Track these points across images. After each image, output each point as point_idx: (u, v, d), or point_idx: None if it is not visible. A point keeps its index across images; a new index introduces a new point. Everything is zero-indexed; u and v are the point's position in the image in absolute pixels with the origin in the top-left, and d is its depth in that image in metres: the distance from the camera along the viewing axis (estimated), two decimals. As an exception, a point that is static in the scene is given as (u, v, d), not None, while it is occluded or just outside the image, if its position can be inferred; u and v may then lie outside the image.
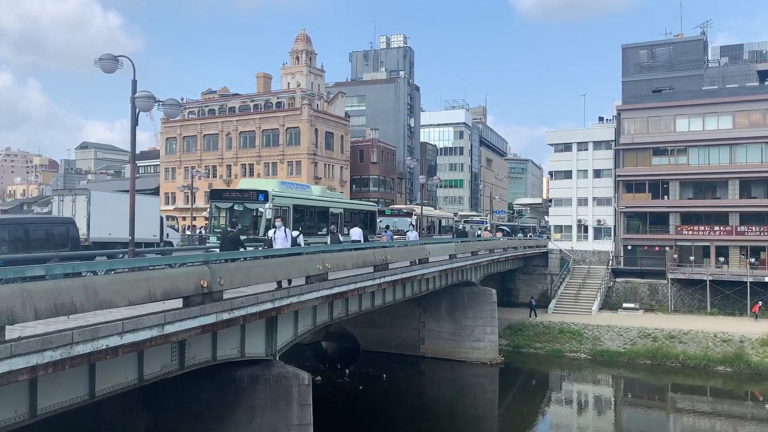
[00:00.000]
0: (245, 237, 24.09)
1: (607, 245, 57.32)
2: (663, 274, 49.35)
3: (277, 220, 21.85)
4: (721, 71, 62.17)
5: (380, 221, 43.75)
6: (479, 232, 56.42)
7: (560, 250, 56.63)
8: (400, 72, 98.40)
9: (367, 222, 37.31)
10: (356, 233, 27.68)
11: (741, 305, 45.16)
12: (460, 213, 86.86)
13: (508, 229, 74.54)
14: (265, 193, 27.17)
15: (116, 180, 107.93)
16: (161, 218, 36.98)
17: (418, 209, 48.92)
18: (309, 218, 30.71)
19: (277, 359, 16.61)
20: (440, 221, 55.51)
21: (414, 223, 42.40)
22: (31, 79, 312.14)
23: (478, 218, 76.79)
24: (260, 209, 26.70)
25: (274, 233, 20.36)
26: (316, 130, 70.94)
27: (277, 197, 27.59)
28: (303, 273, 16.62)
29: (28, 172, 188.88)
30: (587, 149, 59.79)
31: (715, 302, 46.26)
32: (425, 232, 48.04)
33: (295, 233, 22.89)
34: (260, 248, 21.20)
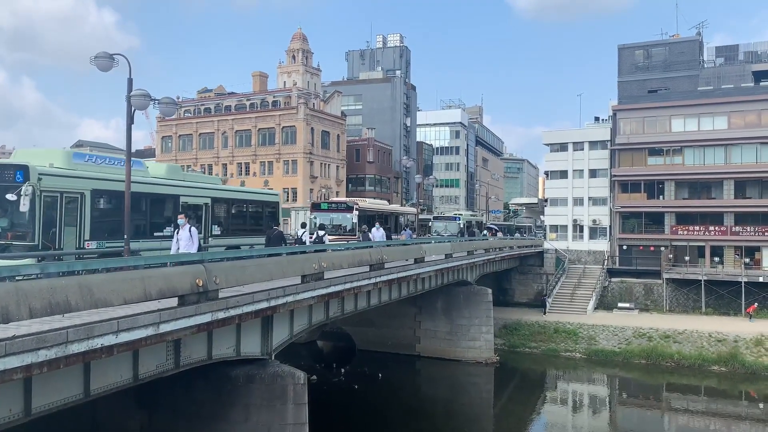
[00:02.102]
0: None
1: (602, 245, 57.47)
2: (658, 273, 49.50)
3: (180, 217, 16.65)
4: (717, 72, 62.40)
5: (314, 217, 36.73)
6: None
7: (556, 250, 56.77)
8: (397, 71, 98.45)
9: (263, 218, 28.24)
10: (379, 234, 27.74)
11: (736, 305, 45.33)
12: (458, 209, 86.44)
13: (496, 228, 73.14)
14: (24, 169, 17.15)
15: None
16: None
17: (362, 202, 40.80)
18: (135, 211, 20.15)
19: (273, 358, 16.60)
20: (397, 218, 45.74)
21: (356, 221, 35.77)
22: (25, 76, 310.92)
23: (452, 214, 68.70)
24: (13, 197, 16.71)
25: (177, 233, 15.97)
26: (312, 129, 70.91)
27: (50, 176, 17.78)
28: (299, 272, 16.61)
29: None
30: (583, 149, 59.90)
31: (709, 302, 46.43)
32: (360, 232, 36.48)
33: (321, 232, 22.60)
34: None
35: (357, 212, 36.89)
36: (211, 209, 24.67)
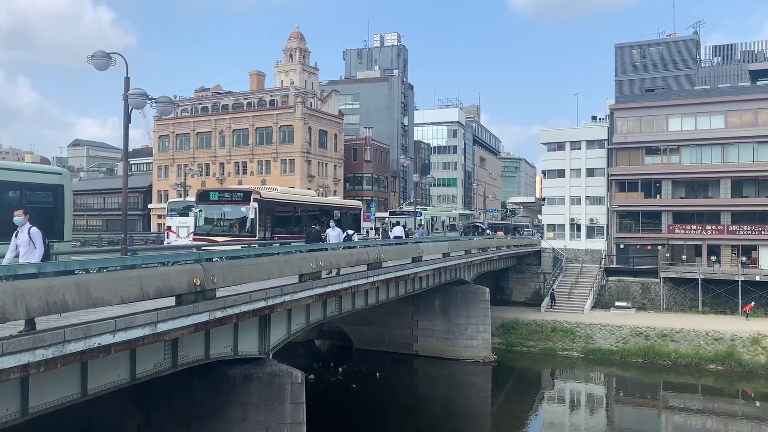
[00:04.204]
0: None
1: (599, 244, 57.53)
2: (655, 272, 49.59)
3: (17, 213, 11.85)
4: (714, 71, 62.52)
5: (199, 210, 28.65)
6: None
7: (553, 249, 56.81)
8: (394, 70, 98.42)
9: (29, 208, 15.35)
10: (398, 231, 27.34)
11: (732, 304, 45.41)
12: (455, 207, 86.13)
13: (483, 226, 71.92)
14: None
15: (108, 178, 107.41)
16: None
17: (267, 191, 31.59)
18: None
19: (271, 357, 16.60)
20: (330, 213, 32.77)
21: (255, 217, 27.44)
22: (21, 75, 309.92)
23: (412, 209, 55.66)
24: None
25: (16, 236, 11.83)
26: (309, 128, 70.82)
27: None
28: (296, 271, 16.61)
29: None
30: (580, 148, 59.96)
31: (706, 301, 46.52)
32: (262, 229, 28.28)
33: (351, 231, 22.41)
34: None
35: (256, 204, 27.44)
36: None
